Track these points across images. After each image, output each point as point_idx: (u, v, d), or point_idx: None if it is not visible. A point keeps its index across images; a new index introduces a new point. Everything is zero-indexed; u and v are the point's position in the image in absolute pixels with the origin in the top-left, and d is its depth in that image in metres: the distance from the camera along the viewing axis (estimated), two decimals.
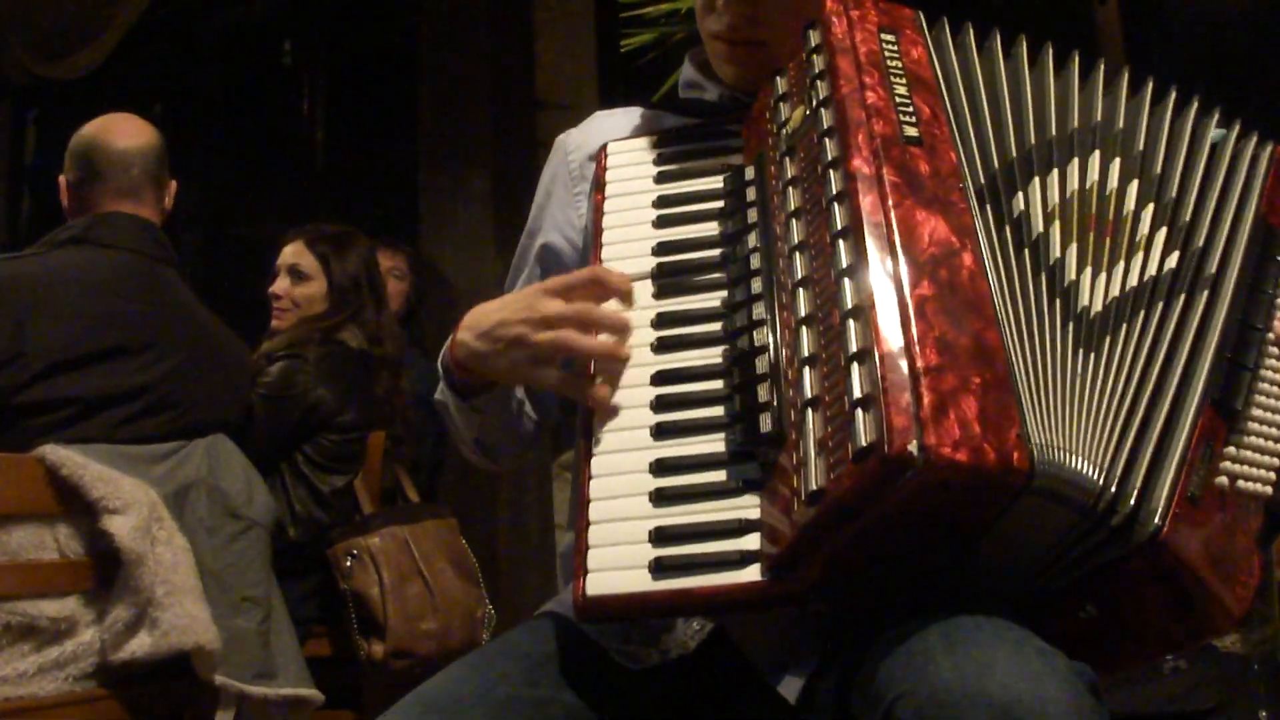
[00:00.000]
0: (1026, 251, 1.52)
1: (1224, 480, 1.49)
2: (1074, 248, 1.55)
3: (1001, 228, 1.52)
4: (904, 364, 1.31)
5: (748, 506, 1.43)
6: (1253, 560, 1.47)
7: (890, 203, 1.44)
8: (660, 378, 1.57)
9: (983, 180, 1.56)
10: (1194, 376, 1.52)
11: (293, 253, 4.60)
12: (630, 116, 2.09)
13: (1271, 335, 1.62)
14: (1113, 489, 1.38)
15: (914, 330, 1.33)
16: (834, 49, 1.63)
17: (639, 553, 1.42)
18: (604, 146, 1.90)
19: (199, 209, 8.93)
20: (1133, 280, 1.56)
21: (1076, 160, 1.66)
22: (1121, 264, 1.57)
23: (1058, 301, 1.50)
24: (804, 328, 1.46)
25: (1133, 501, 1.38)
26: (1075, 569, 1.43)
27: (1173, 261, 1.60)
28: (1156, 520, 1.37)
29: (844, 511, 1.31)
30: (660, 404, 1.55)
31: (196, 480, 3.37)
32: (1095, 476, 1.38)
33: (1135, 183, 1.67)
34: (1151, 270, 1.58)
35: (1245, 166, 1.79)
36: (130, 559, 3.04)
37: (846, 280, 1.41)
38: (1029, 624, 1.35)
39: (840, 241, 1.45)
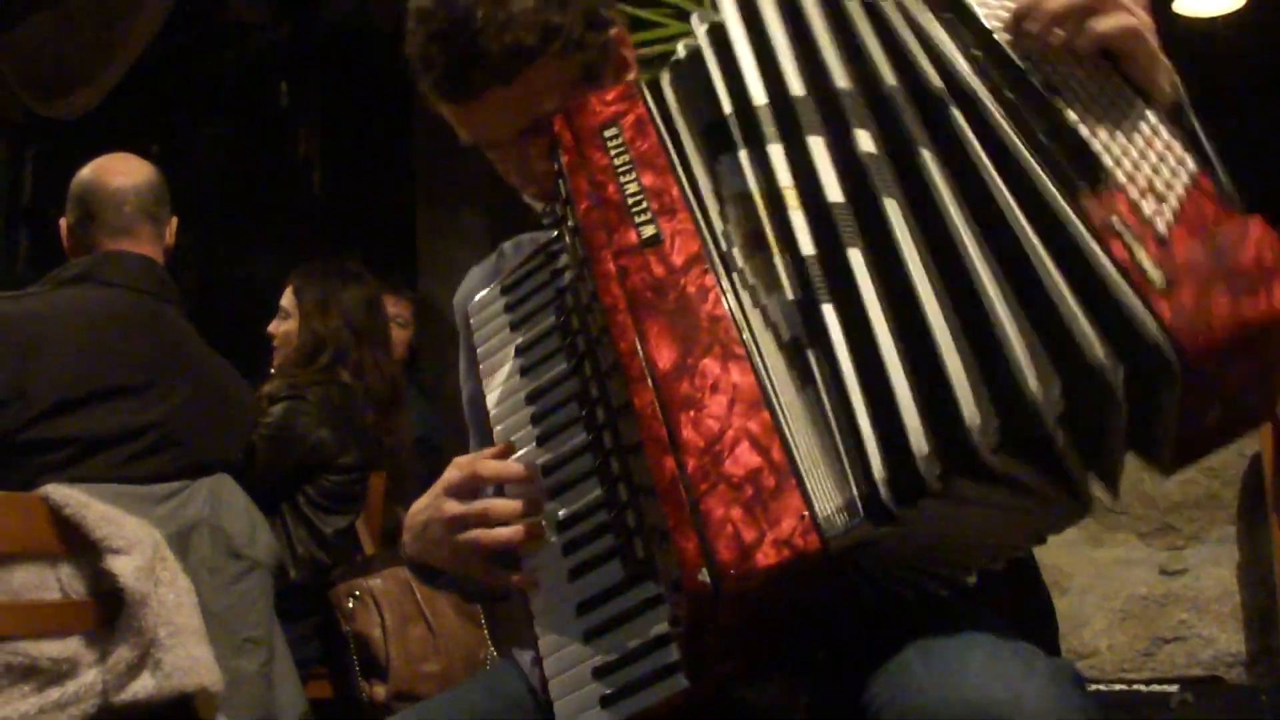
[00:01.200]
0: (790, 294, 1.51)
1: (1164, 229, 1.34)
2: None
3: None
4: (681, 492, 1.36)
5: (659, 621, 1.52)
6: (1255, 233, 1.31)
7: (640, 327, 1.50)
8: (561, 524, 1.66)
9: (725, 244, 1.56)
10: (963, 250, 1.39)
11: (287, 290, 4.62)
12: (491, 261, 2.22)
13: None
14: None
15: (683, 454, 1.38)
16: (569, 169, 1.71)
17: (589, 694, 1.53)
18: (466, 311, 1.99)
19: (196, 249, 8.92)
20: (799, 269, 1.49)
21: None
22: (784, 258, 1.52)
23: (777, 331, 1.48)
24: (628, 457, 1.54)
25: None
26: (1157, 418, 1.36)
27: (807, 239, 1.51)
28: (1166, 353, 1.27)
29: (697, 627, 1.39)
30: (567, 548, 1.64)
31: (199, 520, 3.37)
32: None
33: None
34: (807, 249, 1.50)
35: None
36: (134, 599, 3.03)
37: (621, 418, 1.52)
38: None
39: (610, 380, 1.55)
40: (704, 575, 1.32)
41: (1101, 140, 1.43)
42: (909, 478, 1.30)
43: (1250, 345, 1.29)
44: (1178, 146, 1.40)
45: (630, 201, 1.62)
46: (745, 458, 1.37)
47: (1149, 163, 1.39)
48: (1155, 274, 1.30)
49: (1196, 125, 1.49)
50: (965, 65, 1.52)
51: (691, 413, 1.41)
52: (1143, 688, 3.85)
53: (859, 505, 1.32)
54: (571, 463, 1.69)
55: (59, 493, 3.09)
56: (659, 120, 1.71)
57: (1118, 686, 3.93)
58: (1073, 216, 1.36)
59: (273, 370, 4.55)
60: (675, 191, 1.61)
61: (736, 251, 1.54)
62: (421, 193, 6.26)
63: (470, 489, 1.73)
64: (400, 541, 1.91)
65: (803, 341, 1.43)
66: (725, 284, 1.51)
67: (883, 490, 1.30)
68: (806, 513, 1.32)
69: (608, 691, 1.51)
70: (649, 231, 1.58)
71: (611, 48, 1.94)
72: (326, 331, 4.47)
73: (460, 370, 2.19)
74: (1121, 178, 1.39)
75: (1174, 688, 3.79)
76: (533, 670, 1.77)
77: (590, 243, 1.61)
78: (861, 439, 1.34)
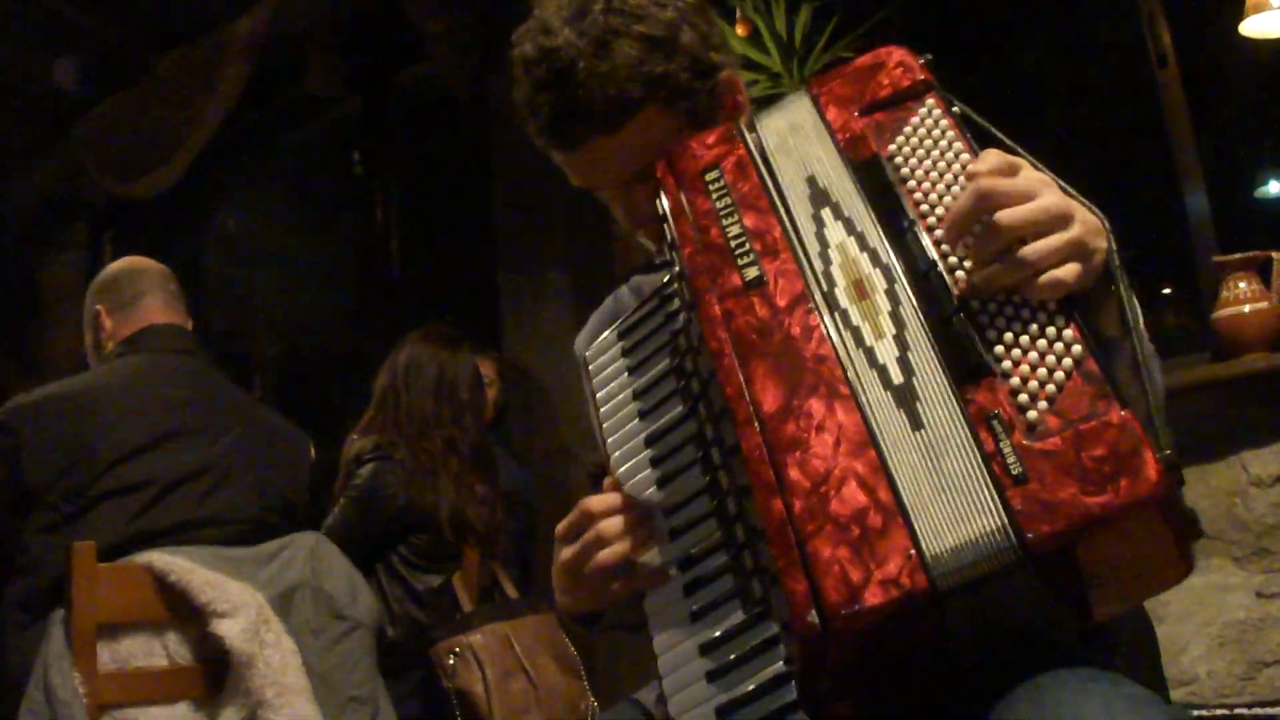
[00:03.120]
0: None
1: (1036, 418, 1.36)
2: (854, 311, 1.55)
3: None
4: (789, 534, 1.38)
5: (778, 660, 1.51)
6: (1118, 427, 1.33)
7: (746, 370, 1.52)
8: (682, 563, 1.66)
9: (846, 277, 1.57)
10: (920, 381, 1.45)
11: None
12: (608, 306, 2.23)
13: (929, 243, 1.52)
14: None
15: (790, 495, 1.40)
16: (674, 214, 1.73)
17: None
18: (585, 358, 1.98)
19: (279, 321, 9.00)
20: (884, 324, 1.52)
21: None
22: (869, 311, 1.54)
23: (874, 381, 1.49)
24: (744, 498, 1.54)
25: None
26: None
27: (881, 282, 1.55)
28: (1010, 537, 1.31)
29: (812, 667, 1.40)
30: (688, 589, 1.64)
31: (300, 582, 3.39)
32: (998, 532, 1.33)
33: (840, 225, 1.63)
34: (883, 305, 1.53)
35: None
36: (240, 661, 3.06)
37: (734, 459, 1.52)
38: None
39: (722, 423, 1.57)
40: (813, 616, 1.33)
41: (997, 327, 1.44)
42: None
43: (1100, 534, 1.30)
44: (1070, 333, 1.40)
45: (733, 244, 1.63)
46: (851, 497, 1.38)
47: (1036, 351, 1.41)
48: (1015, 465, 1.33)
49: (1123, 287, 1.48)
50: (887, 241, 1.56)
51: (798, 454, 1.42)
52: (1245, 712, 3.81)
53: (994, 537, 1.32)
54: (691, 504, 1.69)
55: (163, 560, 3.13)
56: (759, 161, 1.72)
57: (1219, 712, 3.90)
58: (955, 404, 1.40)
59: (357, 432, 4.57)
60: (777, 232, 1.63)
61: (840, 293, 1.55)
62: (503, 256, 6.30)
63: (581, 528, 1.75)
64: (555, 605, 1.93)
65: (914, 386, 1.45)
66: (829, 324, 1.52)
67: (1011, 530, 1.32)
68: (914, 551, 1.33)
69: None
70: (752, 273, 1.60)
71: (720, 92, 1.96)
72: (418, 393, 4.50)
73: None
74: (1008, 365, 1.40)
75: (1276, 710, 3.75)
76: (657, 707, 1.77)
77: (696, 287, 1.64)
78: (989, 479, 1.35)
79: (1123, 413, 1.32)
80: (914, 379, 1.45)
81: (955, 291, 1.47)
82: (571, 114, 1.83)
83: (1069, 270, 1.41)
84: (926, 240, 1.53)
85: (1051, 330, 1.41)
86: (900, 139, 1.63)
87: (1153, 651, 1.88)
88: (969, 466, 1.36)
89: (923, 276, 1.51)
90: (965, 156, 1.57)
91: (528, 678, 3.95)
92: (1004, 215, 1.43)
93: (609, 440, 1.84)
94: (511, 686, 3.90)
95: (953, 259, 1.50)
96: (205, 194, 8.47)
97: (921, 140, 1.62)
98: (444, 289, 7.71)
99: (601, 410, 1.88)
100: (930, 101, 1.65)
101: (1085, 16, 5.76)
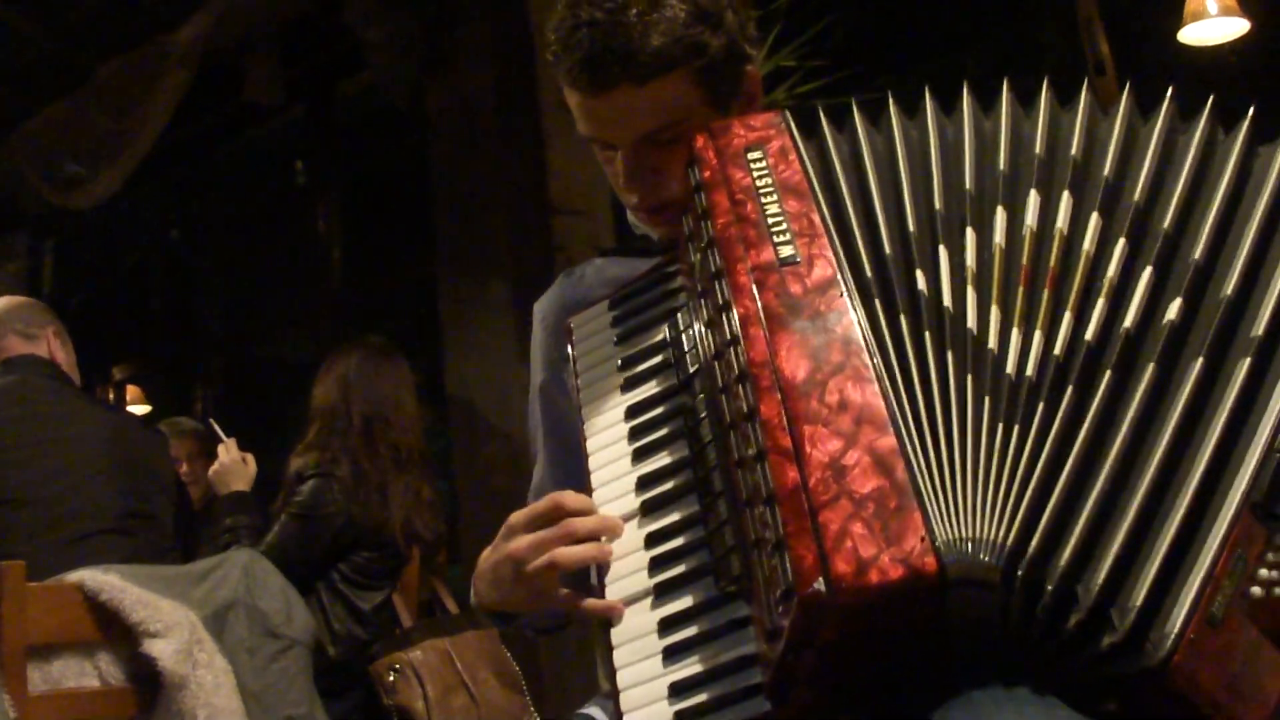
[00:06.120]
0: (928, 331, 1.52)
1: (1259, 591, 1.35)
2: (994, 311, 1.53)
3: (895, 316, 1.53)
4: (803, 501, 1.36)
5: (745, 642, 1.50)
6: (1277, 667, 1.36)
7: (772, 340, 1.50)
8: (651, 539, 1.64)
9: (870, 271, 1.58)
10: (1229, 469, 1.40)
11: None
12: (589, 272, 2.20)
13: None
14: (1079, 584, 1.34)
15: (806, 466, 1.38)
16: (709, 185, 1.71)
17: (660, 711, 1.50)
18: (568, 324, 1.98)
19: (219, 332, 8.96)
20: (1089, 335, 1.49)
21: (1002, 209, 1.63)
22: (1069, 317, 1.51)
23: (969, 376, 1.48)
24: (739, 470, 1.52)
25: (1133, 618, 1.31)
26: (1085, 672, 1.37)
27: (1173, 312, 1.50)
28: (1168, 647, 1.30)
29: (799, 642, 1.36)
30: (655, 563, 1.62)
31: (235, 600, 3.38)
32: (1006, 544, 1.35)
33: (1095, 217, 1.60)
34: (1127, 322, 1.49)
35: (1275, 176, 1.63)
36: (172, 682, 3.03)
37: (748, 425, 1.48)
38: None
39: (741, 387, 1.52)
40: (820, 584, 1.30)
41: None
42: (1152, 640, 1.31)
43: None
44: None
45: (770, 222, 1.63)
46: (869, 476, 1.36)
47: None
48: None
49: None
50: None
51: (819, 427, 1.41)
52: None
53: (985, 546, 1.33)
54: (669, 479, 1.68)
55: (94, 579, 3.10)
56: (804, 151, 1.73)
57: None
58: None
59: (298, 450, 4.54)
60: (816, 218, 1.62)
61: (873, 282, 1.56)
62: (445, 265, 6.28)
63: (546, 520, 1.71)
64: (471, 593, 1.90)
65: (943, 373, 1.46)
66: (861, 309, 1.52)
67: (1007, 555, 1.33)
68: (926, 535, 1.32)
69: (680, 708, 1.49)
70: (787, 251, 1.59)
71: (743, 82, 1.97)
72: (364, 404, 4.48)
73: (533, 365, 2.20)
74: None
75: None
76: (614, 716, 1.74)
77: (728, 255, 1.62)
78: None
79: None
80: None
81: None
82: (610, 55, 1.83)
83: None
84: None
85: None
86: None
87: None
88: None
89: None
90: None
91: (469, 694, 3.92)
92: None
93: (584, 407, 1.83)
94: (453, 703, 3.88)
95: None
96: (146, 205, 8.42)
97: None
98: (385, 298, 7.70)
99: (581, 378, 1.87)
100: None
101: (1024, 24, 5.79)
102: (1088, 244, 1.57)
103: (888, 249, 1.60)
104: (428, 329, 6.41)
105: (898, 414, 1.42)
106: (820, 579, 1.31)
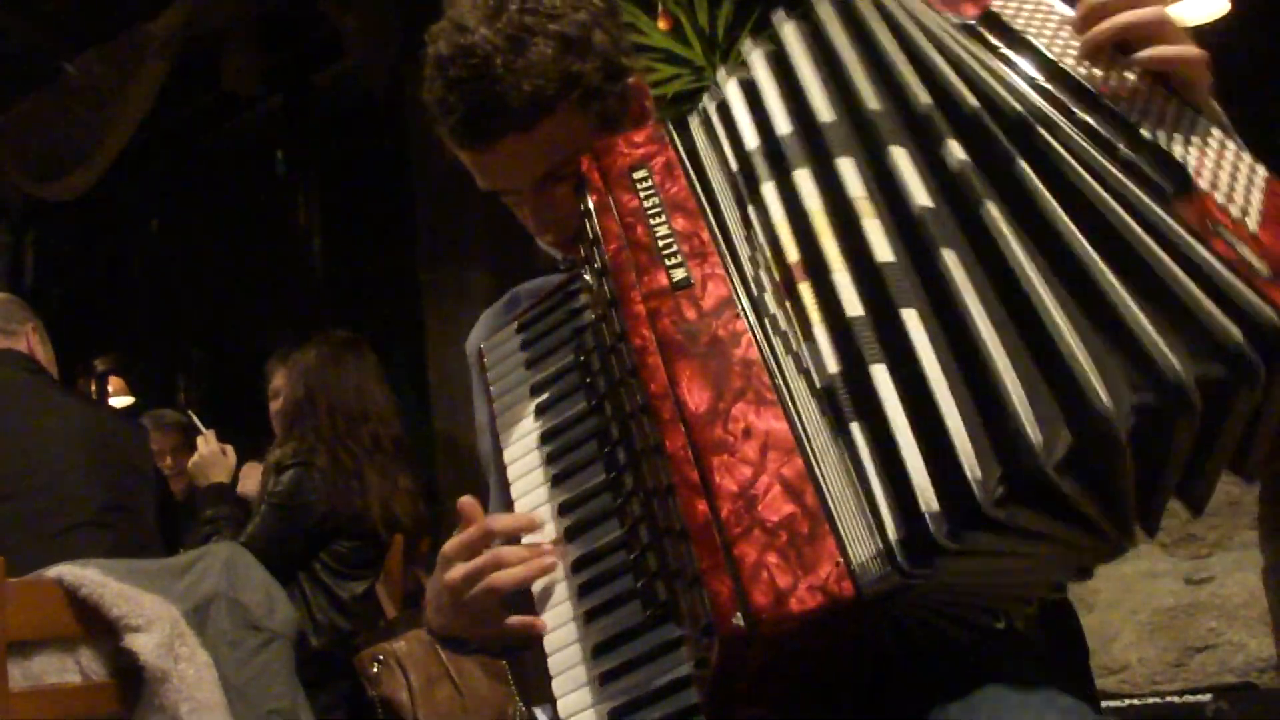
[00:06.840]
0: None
1: (1240, 215, 1.36)
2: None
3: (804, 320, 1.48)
4: (714, 535, 1.34)
5: (678, 665, 1.50)
6: None
7: (671, 370, 1.48)
8: (577, 564, 1.65)
9: (776, 275, 1.52)
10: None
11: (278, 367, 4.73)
12: (502, 304, 2.22)
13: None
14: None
15: (716, 498, 1.36)
16: (598, 209, 1.69)
17: None
18: (479, 351, 1.96)
19: (201, 324, 8.94)
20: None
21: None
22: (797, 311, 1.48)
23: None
24: (653, 500, 1.51)
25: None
26: None
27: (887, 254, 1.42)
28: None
29: (727, 672, 1.36)
30: (584, 589, 1.63)
31: (216, 594, 3.37)
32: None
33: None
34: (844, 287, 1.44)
35: None
36: (154, 677, 3.01)
37: (656, 457, 1.47)
38: None
39: (643, 418, 1.51)
40: (738, 619, 1.29)
41: (1179, 153, 1.40)
42: (923, 537, 1.26)
43: None
44: (1247, 156, 1.40)
45: (661, 244, 1.60)
46: (779, 504, 1.34)
47: (1225, 171, 1.39)
48: (1260, 265, 1.29)
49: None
50: (1034, 92, 1.48)
51: (725, 457, 1.39)
52: (1176, 699, 3.83)
53: (884, 559, 1.29)
54: (590, 502, 1.67)
55: (74, 574, 3.08)
56: (688, 164, 1.70)
57: (1151, 700, 3.91)
58: (1171, 221, 1.33)
59: (278, 437, 4.55)
60: (705, 235, 1.59)
61: (768, 297, 1.51)
62: (425, 254, 6.26)
63: (477, 548, 1.71)
64: (425, 619, 1.90)
65: (836, 388, 1.39)
66: (757, 329, 1.49)
67: (898, 551, 1.28)
68: (841, 560, 1.30)
69: None
70: (680, 274, 1.56)
71: (630, 97, 1.94)
72: (337, 393, 4.47)
73: (477, 418, 2.18)
74: (1205, 185, 1.37)
75: (1207, 697, 3.77)
76: None
77: (620, 283, 1.59)
78: (875, 498, 1.31)
79: None
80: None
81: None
82: (487, 110, 1.80)
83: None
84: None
85: (1229, 153, 1.43)
86: None
87: (1079, 645, 1.86)
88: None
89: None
90: None
91: (453, 684, 3.91)
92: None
93: (502, 434, 1.82)
94: (437, 693, 3.87)
95: None
96: (126, 196, 8.39)
97: None
98: (366, 288, 7.69)
99: (495, 404, 1.86)
100: None
101: None
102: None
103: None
104: (409, 318, 6.40)
105: (804, 436, 1.39)
106: (738, 613, 1.30)
